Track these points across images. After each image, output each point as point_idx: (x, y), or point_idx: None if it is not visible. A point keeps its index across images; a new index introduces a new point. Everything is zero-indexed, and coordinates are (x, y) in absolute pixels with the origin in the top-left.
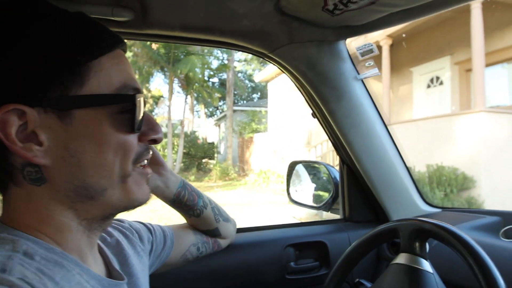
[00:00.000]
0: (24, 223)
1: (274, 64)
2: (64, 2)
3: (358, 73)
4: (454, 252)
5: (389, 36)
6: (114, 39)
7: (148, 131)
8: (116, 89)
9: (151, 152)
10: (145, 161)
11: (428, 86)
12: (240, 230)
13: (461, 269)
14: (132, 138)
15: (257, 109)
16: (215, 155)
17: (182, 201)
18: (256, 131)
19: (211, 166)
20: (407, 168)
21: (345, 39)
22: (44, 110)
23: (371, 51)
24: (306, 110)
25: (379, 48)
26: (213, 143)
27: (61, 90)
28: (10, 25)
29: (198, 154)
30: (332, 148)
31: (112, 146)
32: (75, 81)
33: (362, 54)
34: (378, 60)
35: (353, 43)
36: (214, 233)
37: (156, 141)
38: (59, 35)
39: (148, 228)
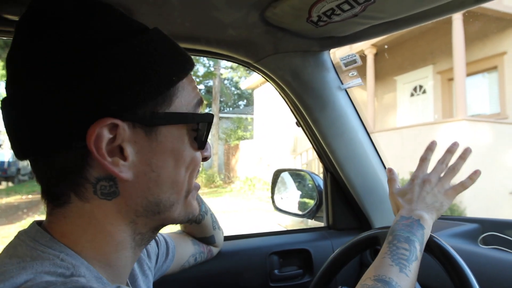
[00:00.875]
0: (81, 242)
1: (259, 73)
2: None
3: (342, 83)
4: (433, 258)
5: (374, 45)
6: (191, 60)
7: (203, 150)
8: (193, 106)
9: None
10: None
11: (412, 95)
12: (226, 238)
13: (439, 275)
14: (199, 156)
15: (243, 116)
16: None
17: None
18: (242, 138)
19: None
20: None
21: (329, 50)
22: (133, 125)
23: (354, 61)
24: (291, 117)
25: (364, 57)
26: None
27: (152, 107)
28: (111, 40)
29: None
30: (320, 161)
31: (186, 162)
32: (165, 99)
33: (346, 65)
34: (362, 69)
35: (337, 53)
36: (209, 240)
37: (206, 159)
38: (157, 53)
39: (156, 241)
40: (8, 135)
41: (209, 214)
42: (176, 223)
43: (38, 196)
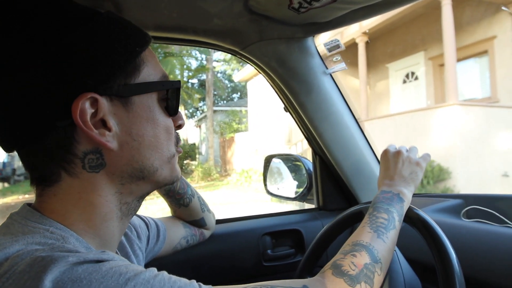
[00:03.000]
0: (71, 216)
1: (245, 61)
2: None
3: (327, 68)
4: (413, 229)
5: (365, 33)
6: (148, 34)
7: (176, 118)
8: (160, 78)
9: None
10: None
11: (404, 82)
12: (218, 221)
13: (422, 246)
14: (171, 122)
15: (237, 108)
16: (197, 156)
17: (175, 189)
18: (237, 130)
19: (193, 167)
20: (377, 157)
21: (313, 36)
22: (110, 98)
23: (337, 46)
24: (282, 108)
25: (355, 45)
26: (194, 144)
27: (124, 79)
28: (76, 24)
29: (179, 155)
30: (308, 145)
31: (162, 129)
32: (134, 71)
33: (329, 50)
34: (354, 57)
35: (322, 39)
36: (199, 223)
37: (180, 126)
38: (118, 29)
39: (145, 222)
40: None
41: (196, 197)
42: (161, 187)
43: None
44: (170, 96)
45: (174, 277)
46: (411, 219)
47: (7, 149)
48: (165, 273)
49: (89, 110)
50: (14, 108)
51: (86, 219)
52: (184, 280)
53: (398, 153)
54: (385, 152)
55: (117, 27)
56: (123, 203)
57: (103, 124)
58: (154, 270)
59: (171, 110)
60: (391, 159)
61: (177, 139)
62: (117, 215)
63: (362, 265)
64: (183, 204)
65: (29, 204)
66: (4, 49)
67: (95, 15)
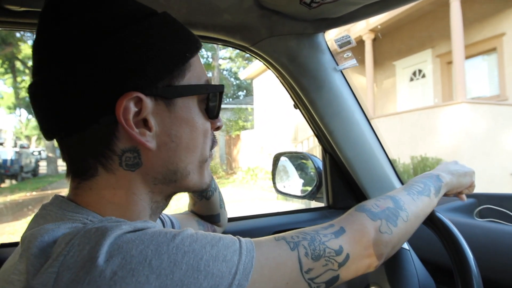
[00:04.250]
0: (106, 210)
1: (255, 57)
2: None
3: (337, 64)
4: (430, 230)
5: (372, 30)
6: (199, 40)
7: (215, 120)
8: (203, 81)
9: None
10: None
11: (411, 79)
12: (229, 220)
13: (435, 246)
14: (209, 126)
15: (243, 106)
16: None
17: None
18: (243, 128)
19: None
20: (387, 155)
21: (324, 32)
22: (155, 98)
23: (348, 42)
24: (291, 105)
25: (362, 42)
26: None
27: (169, 81)
28: (132, 21)
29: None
30: (318, 143)
31: (200, 132)
32: (180, 74)
33: (340, 46)
34: (361, 54)
35: (332, 35)
36: (215, 219)
37: (219, 128)
38: (172, 32)
39: (161, 219)
40: (36, 117)
41: (217, 192)
42: (190, 191)
43: (42, 193)
44: (212, 99)
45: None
46: (428, 218)
47: (49, 137)
48: (202, 231)
49: (133, 109)
50: (62, 97)
51: (121, 215)
52: (220, 234)
53: (455, 161)
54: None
55: (170, 29)
56: (154, 201)
57: (144, 123)
58: (191, 229)
59: (211, 113)
60: (449, 163)
61: (213, 142)
62: (148, 213)
63: (385, 207)
64: (205, 196)
65: (61, 196)
66: (58, 38)
67: (151, 15)
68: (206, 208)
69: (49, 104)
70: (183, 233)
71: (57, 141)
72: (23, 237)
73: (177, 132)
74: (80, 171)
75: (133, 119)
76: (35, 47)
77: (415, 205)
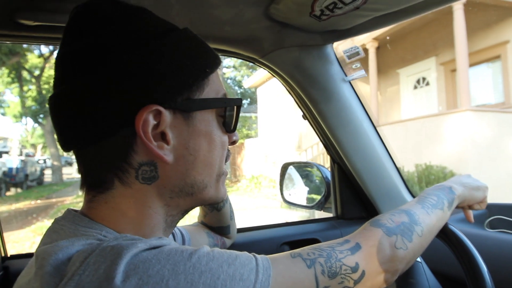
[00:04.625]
0: (120, 224)
1: (264, 69)
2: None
3: (346, 75)
4: (442, 242)
5: (375, 39)
6: (220, 58)
7: (231, 134)
8: (221, 95)
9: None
10: None
11: (415, 87)
12: (238, 231)
13: (447, 258)
14: (227, 139)
15: (247, 114)
16: None
17: None
18: (247, 136)
19: None
20: (396, 166)
21: (332, 43)
22: (173, 112)
23: (357, 53)
24: (295, 114)
25: (366, 50)
26: None
27: (188, 95)
28: (154, 36)
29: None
30: (323, 150)
31: (218, 145)
32: (199, 88)
33: (349, 57)
34: (365, 63)
35: (340, 47)
36: (225, 230)
37: (235, 142)
38: (193, 47)
39: (172, 233)
40: (55, 128)
41: (228, 203)
42: (206, 204)
43: (46, 201)
44: (229, 112)
45: (227, 250)
46: (446, 234)
47: (66, 148)
48: (217, 248)
49: (152, 122)
50: (81, 108)
51: (136, 229)
52: (236, 251)
53: (469, 175)
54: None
55: (191, 45)
56: (169, 215)
57: (162, 136)
58: (207, 246)
59: (229, 127)
60: (462, 176)
61: (227, 155)
62: (162, 227)
63: (400, 221)
64: (216, 208)
65: (74, 210)
66: (81, 52)
67: (172, 30)
68: (217, 220)
69: (68, 115)
70: (200, 251)
71: (74, 152)
72: (37, 253)
73: (195, 145)
74: (95, 183)
75: (151, 132)
76: (58, 60)
77: (429, 219)
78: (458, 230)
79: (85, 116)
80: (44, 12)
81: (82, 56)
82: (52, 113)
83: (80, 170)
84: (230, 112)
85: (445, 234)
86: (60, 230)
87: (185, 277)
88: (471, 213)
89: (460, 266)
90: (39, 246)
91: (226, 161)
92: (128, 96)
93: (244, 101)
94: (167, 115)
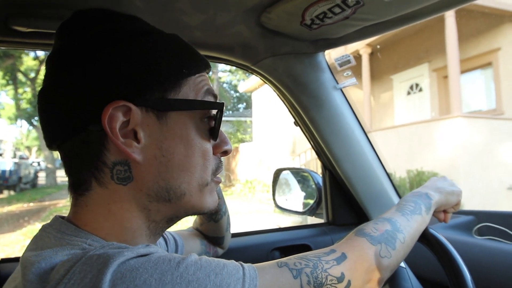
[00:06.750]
0: (103, 229)
1: (257, 75)
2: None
3: (337, 83)
4: (427, 248)
5: (369, 45)
6: (206, 63)
7: (220, 143)
8: (202, 96)
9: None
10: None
11: (408, 93)
12: None
13: (431, 264)
14: (210, 147)
15: (242, 119)
16: None
17: None
18: (241, 141)
19: None
20: (386, 172)
21: (324, 51)
22: (145, 110)
23: (348, 61)
24: (289, 119)
25: (359, 57)
26: None
27: (162, 93)
28: (126, 34)
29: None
30: (316, 156)
31: (197, 151)
32: (174, 87)
33: (340, 65)
34: (358, 69)
35: (332, 54)
36: (219, 241)
37: (227, 153)
38: (172, 49)
39: (163, 237)
40: (41, 125)
41: (226, 215)
42: (190, 215)
43: (39, 204)
44: (208, 118)
45: (216, 258)
46: (424, 236)
47: (48, 144)
48: (205, 256)
49: (121, 118)
50: (58, 102)
51: (117, 234)
52: (224, 260)
53: (443, 178)
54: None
55: (169, 47)
56: (151, 221)
57: (135, 135)
58: (195, 254)
59: (211, 134)
60: (437, 180)
61: (218, 167)
62: (146, 233)
63: (383, 230)
64: (214, 219)
65: (61, 217)
66: (63, 49)
67: (154, 33)
68: (213, 230)
69: (47, 110)
70: (187, 260)
71: (59, 151)
72: (21, 260)
73: (169, 147)
74: (76, 184)
75: (121, 129)
76: (47, 60)
77: (409, 225)
78: (437, 232)
79: (60, 112)
80: (37, 18)
81: (63, 53)
82: (38, 108)
83: (65, 171)
84: (209, 117)
85: (425, 237)
86: (46, 238)
87: (172, 286)
88: (448, 215)
89: (442, 267)
90: (24, 252)
91: (216, 172)
92: (96, 90)
93: (240, 105)
94: (137, 112)
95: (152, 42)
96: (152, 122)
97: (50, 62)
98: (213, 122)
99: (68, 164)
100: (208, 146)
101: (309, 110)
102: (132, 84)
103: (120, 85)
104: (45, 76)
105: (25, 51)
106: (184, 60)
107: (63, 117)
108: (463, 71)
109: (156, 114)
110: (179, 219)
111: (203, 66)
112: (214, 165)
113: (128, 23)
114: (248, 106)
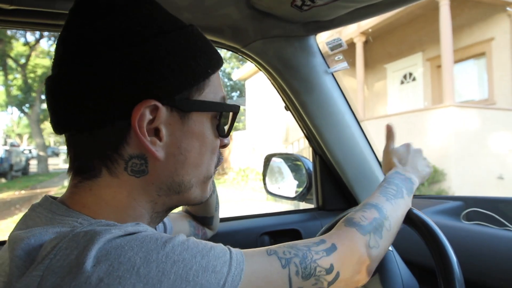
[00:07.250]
0: (102, 212)
1: (247, 59)
2: None
3: (328, 67)
4: (412, 230)
5: (363, 33)
6: (222, 58)
7: (224, 138)
8: (220, 99)
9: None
10: None
11: (402, 82)
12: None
13: (418, 248)
14: (218, 143)
15: None
16: None
17: None
18: (234, 129)
19: None
20: (377, 158)
21: (315, 34)
22: (170, 109)
23: (340, 45)
24: (282, 107)
25: (353, 45)
26: None
27: (188, 94)
28: (161, 31)
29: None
30: (309, 144)
31: (209, 148)
32: (199, 88)
33: (332, 49)
34: (352, 57)
35: (323, 38)
36: (208, 221)
37: (225, 146)
38: (197, 47)
39: None
40: (49, 110)
41: (215, 194)
42: (190, 204)
43: (31, 192)
44: (225, 118)
45: (203, 240)
46: (411, 220)
47: (58, 131)
48: (193, 238)
49: (148, 116)
50: (81, 94)
51: (118, 218)
52: (211, 243)
53: (419, 151)
54: (408, 144)
55: (196, 44)
56: (155, 211)
57: (156, 132)
58: (183, 235)
59: (222, 132)
60: (412, 152)
61: (219, 159)
62: (147, 221)
63: (372, 218)
64: None
65: (52, 197)
66: (86, 37)
67: (179, 28)
68: (202, 209)
69: (66, 98)
70: (174, 240)
71: (65, 136)
72: (9, 238)
73: (187, 146)
74: (83, 169)
75: (146, 126)
76: (60, 41)
77: (395, 211)
78: (427, 217)
79: (82, 103)
80: None
81: (86, 42)
82: (48, 94)
83: (69, 154)
84: (226, 117)
85: (410, 219)
86: (36, 217)
87: (157, 265)
88: None
89: (427, 248)
90: (13, 231)
91: (217, 165)
92: (128, 88)
93: (233, 94)
94: (163, 111)
95: (182, 40)
96: (175, 121)
97: (66, 47)
98: (224, 120)
99: (78, 151)
100: (218, 142)
101: (300, 94)
102: (163, 85)
103: (152, 85)
104: (58, 60)
105: (16, 35)
106: (208, 59)
107: (84, 109)
108: (456, 61)
109: (179, 114)
110: (177, 207)
111: (221, 63)
112: (216, 158)
113: (152, 12)
114: (242, 94)
